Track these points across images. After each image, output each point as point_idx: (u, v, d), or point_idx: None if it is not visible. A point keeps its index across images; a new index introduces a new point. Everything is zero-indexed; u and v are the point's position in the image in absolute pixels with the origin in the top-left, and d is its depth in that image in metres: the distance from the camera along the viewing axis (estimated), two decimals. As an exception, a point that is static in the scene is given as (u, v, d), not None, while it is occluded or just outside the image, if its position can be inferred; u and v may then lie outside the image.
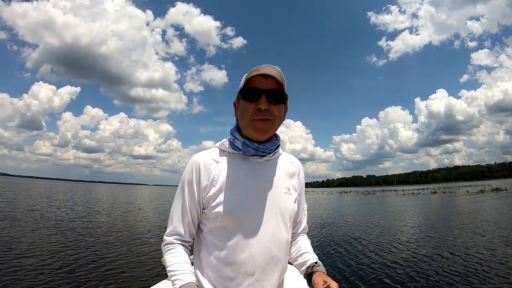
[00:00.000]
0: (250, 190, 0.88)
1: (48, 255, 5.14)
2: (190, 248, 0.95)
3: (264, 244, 0.86)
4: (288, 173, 0.97)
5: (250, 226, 0.85)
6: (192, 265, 0.93)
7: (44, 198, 19.77)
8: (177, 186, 0.94)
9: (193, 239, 0.95)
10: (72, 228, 7.95)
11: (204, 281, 0.86)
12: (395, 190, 54.66)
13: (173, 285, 0.82)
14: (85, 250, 5.62)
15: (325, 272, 0.91)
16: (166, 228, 0.94)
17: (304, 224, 1.07)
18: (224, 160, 0.91)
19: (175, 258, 0.87)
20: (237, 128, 0.94)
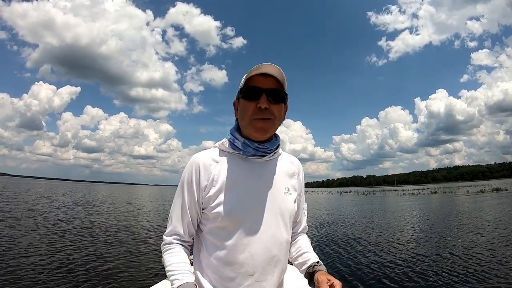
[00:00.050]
0: (250, 190, 0.88)
1: (48, 254, 5.14)
2: (189, 248, 0.95)
3: (264, 244, 0.85)
4: (288, 173, 0.97)
5: (250, 226, 0.85)
6: (192, 265, 0.93)
7: (44, 198, 19.76)
8: (177, 186, 0.94)
9: (193, 239, 0.95)
10: (71, 228, 7.95)
11: (204, 282, 0.86)
12: (395, 190, 54.65)
13: (171, 285, 0.82)
14: (85, 250, 5.62)
15: (326, 272, 0.91)
16: (165, 228, 0.94)
17: (304, 223, 1.07)
18: (224, 160, 0.90)
19: (174, 258, 0.87)
20: (237, 128, 0.94)
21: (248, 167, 0.90)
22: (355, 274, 4.48)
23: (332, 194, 52.22)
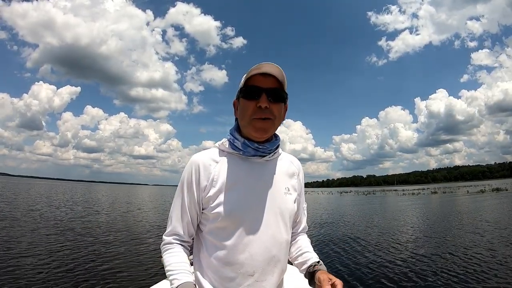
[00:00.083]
0: (250, 190, 0.88)
1: (48, 254, 5.13)
2: (189, 248, 0.95)
3: (264, 244, 0.85)
4: (288, 173, 0.97)
5: (250, 226, 0.85)
6: (192, 265, 0.93)
7: (44, 198, 19.76)
8: (177, 186, 0.94)
9: (193, 239, 0.95)
10: (71, 228, 7.95)
11: (204, 282, 0.86)
12: (395, 190, 54.62)
13: (171, 285, 0.82)
14: (85, 249, 5.61)
15: (327, 271, 0.91)
16: (165, 228, 0.94)
17: (304, 223, 1.07)
18: (223, 160, 0.90)
19: (173, 257, 0.87)
20: (237, 128, 0.94)
21: (248, 167, 0.90)
22: (355, 274, 4.48)
23: (332, 194, 52.20)
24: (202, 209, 0.89)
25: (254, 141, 0.89)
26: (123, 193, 41.32)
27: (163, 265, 0.89)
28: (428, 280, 4.03)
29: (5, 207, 12.28)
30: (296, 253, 1.00)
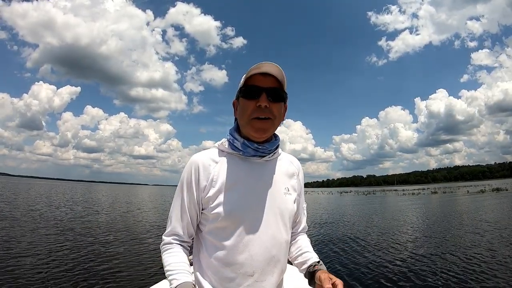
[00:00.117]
0: (249, 191, 0.88)
1: (47, 254, 5.13)
2: (189, 248, 0.95)
3: (264, 244, 0.85)
4: (287, 174, 0.97)
5: (249, 226, 0.85)
6: (191, 265, 0.92)
7: (44, 198, 19.76)
8: (177, 186, 0.94)
9: (192, 239, 0.95)
10: (71, 228, 7.95)
11: (204, 282, 0.86)
12: (395, 190, 54.62)
13: (170, 285, 0.82)
14: (84, 249, 5.61)
15: (327, 271, 0.90)
16: (165, 228, 0.94)
17: (303, 223, 1.07)
18: (223, 160, 0.90)
19: (173, 257, 0.87)
20: (237, 129, 0.94)
21: (247, 167, 0.90)
22: (355, 274, 4.48)
23: (332, 194, 52.19)
24: (202, 209, 0.89)
25: (254, 141, 0.89)
26: (123, 193, 41.32)
27: (162, 265, 0.89)
28: (427, 281, 4.03)
29: (5, 207, 12.28)
30: (296, 253, 1.01)
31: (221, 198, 0.85)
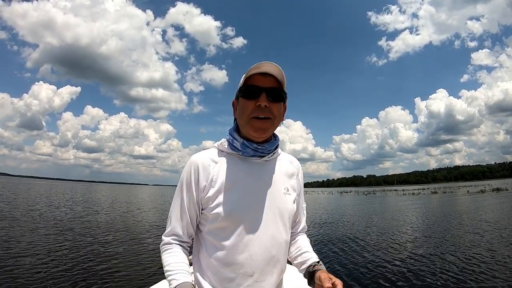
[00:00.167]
0: (249, 191, 0.88)
1: (47, 254, 5.13)
2: (188, 249, 0.95)
3: (264, 244, 0.85)
4: (287, 174, 0.97)
5: (249, 227, 0.85)
6: (191, 265, 0.92)
7: (44, 198, 19.76)
8: (177, 186, 0.94)
9: (192, 240, 0.95)
10: (71, 228, 7.95)
11: (204, 282, 0.86)
12: (396, 190, 54.62)
13: (169, 285, 0.82)
14: (84, 249, 5.61)
15: (327, 271, 0.90)
16: (165, 228, 0.94)
17: (303, 223, 1.07)
18: (223, 160, 0.90)
19: (172, 257, 0.87)
20: (236, 129, 0.94)
21: (247, 167, 0.90)
22: (354, 274, 4.48)
23: (332, 194, 52.19)
24: (202, 210, 0.89)
25: (253, 142, 0.89)
26: (123, 193, 41.31)
27: (162, 265, 0.89)
28: (426, 281, 4.03)
29: (5, 207, 12.28)
30: (295, 253, 1.01)
31: (220, 198, 0.85)
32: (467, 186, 49.13)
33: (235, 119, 0.95)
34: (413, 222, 10.42)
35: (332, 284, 0.81)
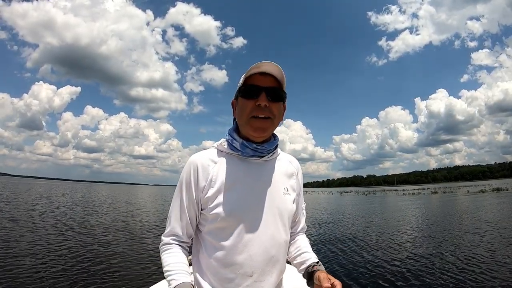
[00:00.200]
0: (248, 191, 0.87)
1: (47, 254, 5.13)
2: (188, 249, 0.94)
3: (263, 245, 0.85)
4: (286, 174, 0.97)
5: (249, 227, 0.85)
6: (191, 265, 0.92)
7: (44, 198, 19.76)
8: (176, 186, 0.94)
9: (191, 240, 0.94)
10: (70, 228, 7.95)
11: (204, 283, 0.86)
12: (396, 190, 54.61)
13: (169, 285, 0.82)
14: (83, 249, 5.61)
15: (326, 272, 0.90)
16: (164, 228, 0.94)
17: (302, 223, 1.07)
18: (222, 160, 0.90)
19: (171, 258, 0.87)
20: (236, 129, 0.93)
21: (246, 167, 0.90)
22: (353, 274, 4.47)
23: (332, 194, 52.18)
24: (201, 210, 0.89)
25: (253, 142, 0.89)
26: (123, 193, 41.32)
27: (161, 265, 0.88)
28: (426, 281, 4.03)
29: (5, 207, 12.28)
30: (295, 253, 1.00)
31: (220, 198, 0.85)
32: (467, 186, 49.12)
33: (234, 119, 0.95)
34: (413, 222, 10.41)
35: (331, 284, 0.81)
